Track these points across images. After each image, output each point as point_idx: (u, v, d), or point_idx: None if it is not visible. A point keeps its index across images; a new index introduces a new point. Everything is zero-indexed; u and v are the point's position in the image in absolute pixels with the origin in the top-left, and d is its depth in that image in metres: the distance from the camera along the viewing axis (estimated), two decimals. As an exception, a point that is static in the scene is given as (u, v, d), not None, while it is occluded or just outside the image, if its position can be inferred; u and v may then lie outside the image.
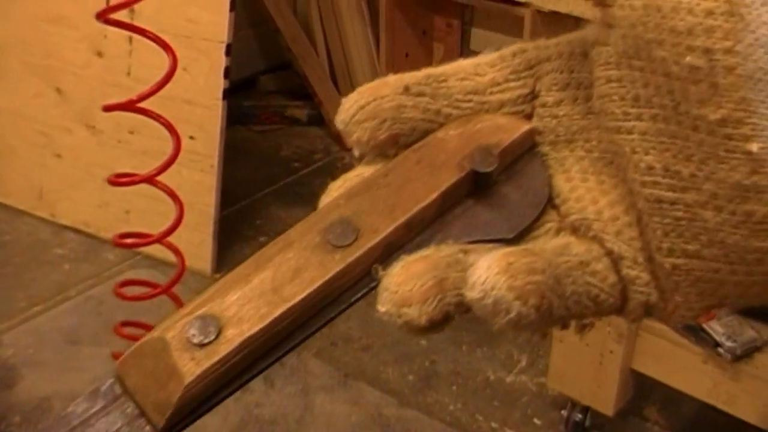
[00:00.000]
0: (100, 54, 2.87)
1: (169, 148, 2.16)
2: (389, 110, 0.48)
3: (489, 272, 0.41)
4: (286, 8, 3.55)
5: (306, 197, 3.17)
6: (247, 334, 0.43)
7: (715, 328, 1.91)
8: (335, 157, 3.52)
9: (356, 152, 0.49)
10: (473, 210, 0.46)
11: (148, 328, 1.68)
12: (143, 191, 2.77)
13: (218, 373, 0.42)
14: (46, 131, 3.03)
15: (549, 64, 0.49)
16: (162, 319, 0.44)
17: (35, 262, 2.92)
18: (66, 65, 2.95)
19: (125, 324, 2.26)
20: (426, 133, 0.48)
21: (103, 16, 1.97)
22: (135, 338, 1.97)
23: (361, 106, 0.48)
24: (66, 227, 3.05)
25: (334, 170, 3.38)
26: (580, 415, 2.23)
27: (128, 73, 2.82)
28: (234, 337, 0.43)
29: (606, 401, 2.14)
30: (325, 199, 0.48)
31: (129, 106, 2.06)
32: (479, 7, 3.29)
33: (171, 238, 2.27)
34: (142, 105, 2.06)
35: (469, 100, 0.49)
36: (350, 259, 0.44)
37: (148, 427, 0.43)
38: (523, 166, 0.48)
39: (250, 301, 0.44)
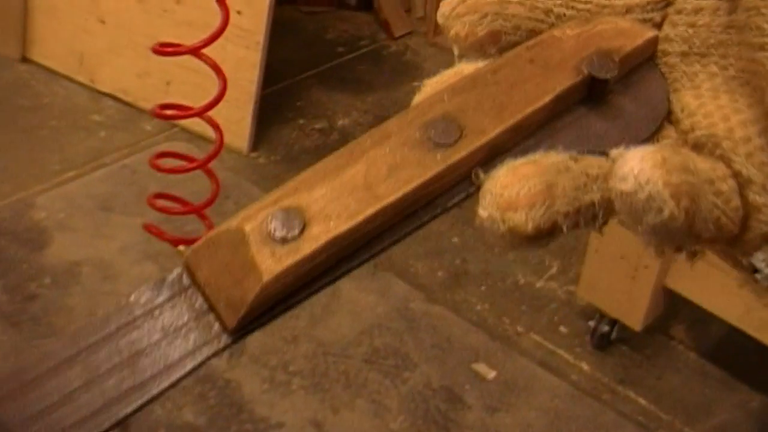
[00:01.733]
0: None
1: (214, 21, 2.11)
2: (492, 4, 0.44)
3: (644, 164, 0.37)
4: None
5: (349, 82, 3.13)
6: (334, 233, 0.39)
7: (756, 253, 1.88)
8: (381, 45, 3.46)
9: (455, 50, 0.45)
10: (586, 119, 0.43)
11: (181, 201, 1.68)
12: (185, 63, 2.73)
13: (299, 272, 0.39)
14: (91, -6, 2.99)
15: None
16: (240, 209, 0.40)
17: (71, 127, 2.90)
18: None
19: (158, 196, 2.24)
20: (532, 34, 0.44)
21: None
22: (167, 210, 1.97)
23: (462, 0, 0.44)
24: (104, 94, 3.03)
25: (379, 58, 3.34)
26: (607, 327, 2.21)
27: (179, -58, 2.76)
28: (320, 234, 0.39)
29: (635, 316, 2.12)
30: (419, 98, 0.44)
31: (188, 51, 2.02)
32: None
33: (211, 114, 2.24)
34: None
35: (588, 2, 0.45)
36: (452, 160, 0.40)
37: (217, 325, 0.40)
38: (641, 77, 0.44)
39: (339, 196, 0.40)
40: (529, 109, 0.42)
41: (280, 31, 2.78)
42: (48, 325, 2.15)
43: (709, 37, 0.43)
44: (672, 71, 0.44)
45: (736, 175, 0.41)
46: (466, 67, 0.44)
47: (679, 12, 0.44)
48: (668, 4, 0.45)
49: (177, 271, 0.41)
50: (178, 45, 2.15)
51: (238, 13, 2.62)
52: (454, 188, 0.41)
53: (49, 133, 2.86)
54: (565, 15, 0.45)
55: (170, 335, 0.40)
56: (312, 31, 3.51)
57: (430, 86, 0.44)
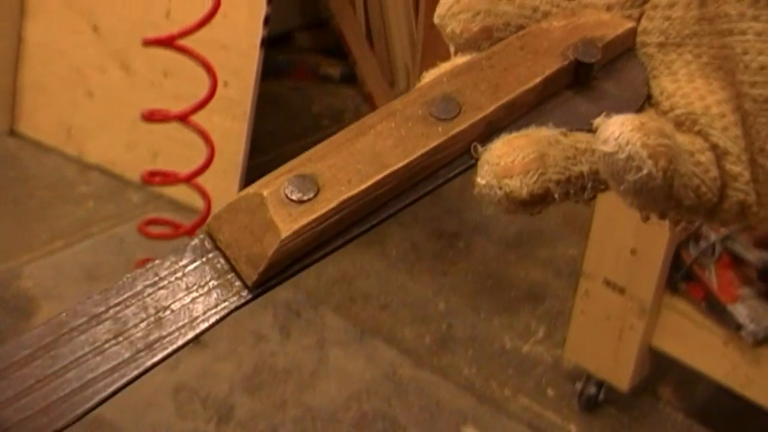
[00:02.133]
0: (140, -7, 2.87)
1: (202, 93, 2.15)
2: (484, 3, 0.48)
3: (623, 128, 0.41)
4: (327, -36, 3.54)
5: (333, 154, 3.16)
6: (346, 195, 0.42)
7: (739, 310, 1.90)
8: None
9: (451, 46, 0.49)
10: (573, 101, 0.46)
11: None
12: (173, 134, 2.78)
13: (315, 231, 0.42)
14: (80, 68, 3.03)
15: None
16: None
17: (59, 198, 2.92)
18: (105, 3, 2.94)
19: (146, 261, 2.26)
20: (520, 30, 0.48)
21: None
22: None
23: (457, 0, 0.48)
24: (92, 166, 3.05)
25: (363, 130, 3.37)
26: (594, 389, 2.22)
27: (167, 15, 2.81)
28: (333, 196, 0.42)
29: (622, 376, 2.14)
30: (420, 85, 0.48)
31: (169, 41, 2.06)
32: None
33: (198, 183, 2.27)
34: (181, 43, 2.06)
35: (572, 0, 0.49)
36: (453, 132, 0.44)
37: (238, 282, 0.43)
38: (622, 65, 0.48)
39: (350, 164, 0.44)
40: (522, 89, 0.45)
41: (265, 104, 2.82)
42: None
43: (683, 29, 0.47)
44: (650, 60, 0.48)
45: (714, 147, 0.45)
46: (460, 60, 0.49)
47: (655, 7, 0.48)
48: (645, 1, 0.49)
49: (199, 236, 0.44)
50: (166, 112, 2.18)
51: (225, 84, 2.66)
52: (455, 161, 0.45)
53: (37, 203, 2.88)
54: (550, 12, 0.49)
55: (194, 292, 0.43)
56: (297, 104, 3.56)
57: (429, 76, 0.48)
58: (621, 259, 2.04)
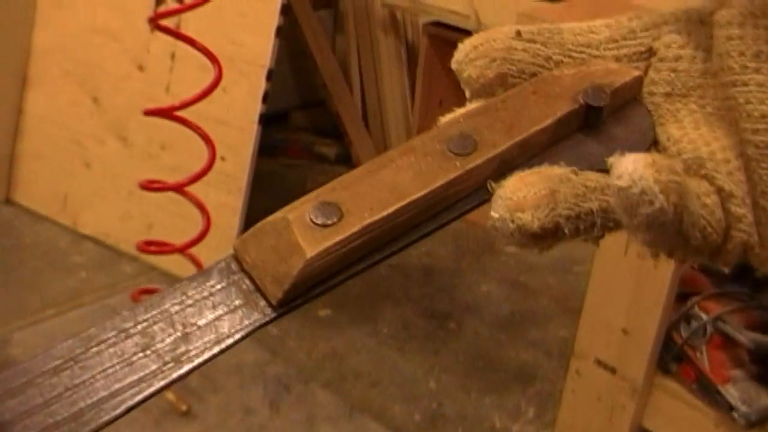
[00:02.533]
0: (141, 68, 2.90)
1: (198, 166, 2.18)
2: (500, 51, 0.51)
3: (636, 164, 0.43)
4: (326, 46, 3.59)
5: (327, 232, 3.18)
6: (368, 221, 0.45)
7: (731, 391, 1.91)
8: (359, 197, 3.53)
9: (467, 92, 0.52)
10: (583, 142, 0.49)
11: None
12: (167, 207, 2.80)
13: (338, 253, 0.44)
14: (77, 139, 3.06)
15: (667, 26, 0.52)
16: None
17: (52, 268, 2.93)
18: (105, 75, 2.98)
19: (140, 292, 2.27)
20: (533, 77, 0.52)
21: (154, 21, 1.99)
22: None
23: (474, 46, 0.52)
24: (86, 236, 3.06)
25: (357, 209, 3.40)
26: (584, 470, 2.21)
27: (167, 89, 2.84)
28: (355, 221, 0.45)
29: (612, 457, 2.13)
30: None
31: (169, 113, 2.08)
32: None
33: (192, 253, 2.28)
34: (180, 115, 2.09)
35: (582, 53, 0.52)
36: (469, 166, 0.47)
37: (263, 302, 0.45)
38: (630, 111, 0.51)
39: (371, 193, 0.46)
40: (534, 129, 0.48)
41: (260, 181, 2.84)
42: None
43: (688, 81, 0.51)
44: (657, 109, 0.51)
45: (719, 190, 0.48)
46: (475, 105, 0.52)
47: (661, 60, 0.52)
48: (651, 54, 0.52)
49: (225, 260, 0.46)
50: (164, 182, 2.20)
51: (222, 159, 2.68)
52: (471, 195, 0.47)
53: (29, 272, 2.88)
54: (562, 61, 0.52)
55: (219, 311, 0.45)
56: (291, 181, 3.58)
57: (446, 118, 0.52)
58: (612, 339, 2.05)
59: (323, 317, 2.79)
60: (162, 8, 2.59)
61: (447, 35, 3.25)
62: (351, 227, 0.44)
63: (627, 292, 1.99)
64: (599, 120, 0.49)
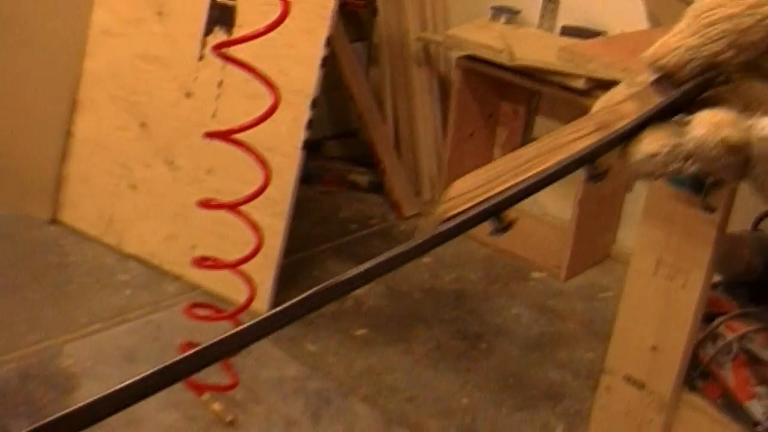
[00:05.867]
0: (188, 95, 3.03)
1: (242, 190, 2.30)
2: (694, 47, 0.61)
3: None
4: (362, 78, 3.72)
5: (362, 256, 3.30)
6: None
7: (756, 407, 2.01)
8: (391, 224, 3.65)
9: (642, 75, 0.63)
10: None
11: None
12: (212, 228, 2.92)
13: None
14: (125, 163, 3.19)
15: None
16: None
17: (98, 285, 3.05)
18: (154, 102, 3.11)
19: (188, 344, 2.38)
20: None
21: (217, 50, 2.13)
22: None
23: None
24: (131, 256, 3.19)
25: (389, 235, 3.52)
26: (612, 484, 2.31)
27: (214, 116, 2.97)
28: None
29: (640, 471, 2.23)
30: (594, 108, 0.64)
31: (226, 136, 2.21)
32: (546, 95, 3.45)
33: (243, 270, 2.40)
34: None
35: None
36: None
37: None
38: None
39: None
40: None
41: (298, 207, 2.96)
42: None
43: None
44: None
45: None
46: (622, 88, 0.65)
47: None
48: None
49: None
50: (220, 201, 2.33)
51: (267, 182, 2.82)
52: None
53: (76, 288, 3.01)
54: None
55: None
56: (327, 209, 3.72)
57: (600, 102, 0.65)
58: (642, 356, 2.15)
59: (359, 336, 2.91)
60: (224, 38, 2.72)
61: (479, 68, 3.38)
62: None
63: (657, 310, 2.10)
64: None
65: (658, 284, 2.08)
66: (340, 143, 4.07)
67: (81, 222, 3.32)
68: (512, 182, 0.59)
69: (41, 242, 3.26)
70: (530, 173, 0.59)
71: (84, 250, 3.23)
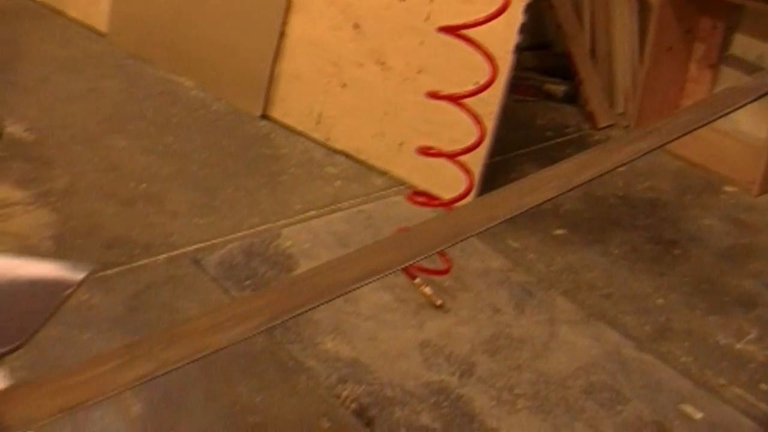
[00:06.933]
0: (403, -2, 3.17)
1: (450, 88, 2.43)
2: None
3: None
4: (563, -13, 3.80)
5: (557, 161, 3.40)
6: None
7: None
8: (586, 134, 3.76)
9: None
10: None
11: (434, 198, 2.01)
12: (419, 127, 3.08)
13: None
14: (336, 62, 3.35)
15: None
16: None
17: (309, 176, 3.24)
18: (368, 3, 3.25)
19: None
20: None
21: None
22: (424, 203, 2.34)
23: None
24: (338, 151, 3.37)
25: (583, 144, 3.62)
26: (807, 385, 2.40)
27: (427, 18, 3.10)
28: None
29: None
30: None
31: (456, 30, 2.35)
32: (750, 10, 3.46)
33: (462, 161, 2.55)
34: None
35: None
36: None
37: None
38: None
39: None
40: None
41: (495, 112, 3.09)
42: (297, 333, 2.45)
43: None
44: None
45: None
46: None
47: None
48: None
49: None
50: (439, 150, 2.49)
51: (476, 83, 2.93)
52: None
53: (289, 178, 3.21)
54: None
55: None
56: (523, 117, 3.84)
57: None
58: None
59: (558, 236, 3.04)
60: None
61: (684, -17, 3.42)
62: None
63: None
64: None
65: None
66: (535, 54, 4.15)
67: (290, 117, 3.50)
68: None
69: (253, 135, 3.46)
70: None
71: (293, 143, 3.43)
